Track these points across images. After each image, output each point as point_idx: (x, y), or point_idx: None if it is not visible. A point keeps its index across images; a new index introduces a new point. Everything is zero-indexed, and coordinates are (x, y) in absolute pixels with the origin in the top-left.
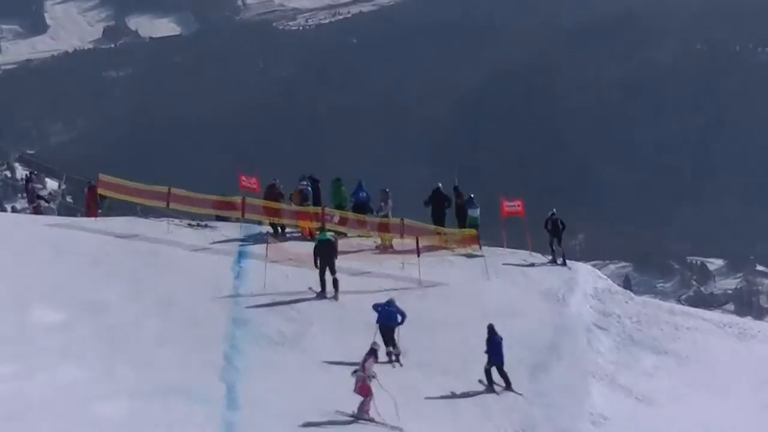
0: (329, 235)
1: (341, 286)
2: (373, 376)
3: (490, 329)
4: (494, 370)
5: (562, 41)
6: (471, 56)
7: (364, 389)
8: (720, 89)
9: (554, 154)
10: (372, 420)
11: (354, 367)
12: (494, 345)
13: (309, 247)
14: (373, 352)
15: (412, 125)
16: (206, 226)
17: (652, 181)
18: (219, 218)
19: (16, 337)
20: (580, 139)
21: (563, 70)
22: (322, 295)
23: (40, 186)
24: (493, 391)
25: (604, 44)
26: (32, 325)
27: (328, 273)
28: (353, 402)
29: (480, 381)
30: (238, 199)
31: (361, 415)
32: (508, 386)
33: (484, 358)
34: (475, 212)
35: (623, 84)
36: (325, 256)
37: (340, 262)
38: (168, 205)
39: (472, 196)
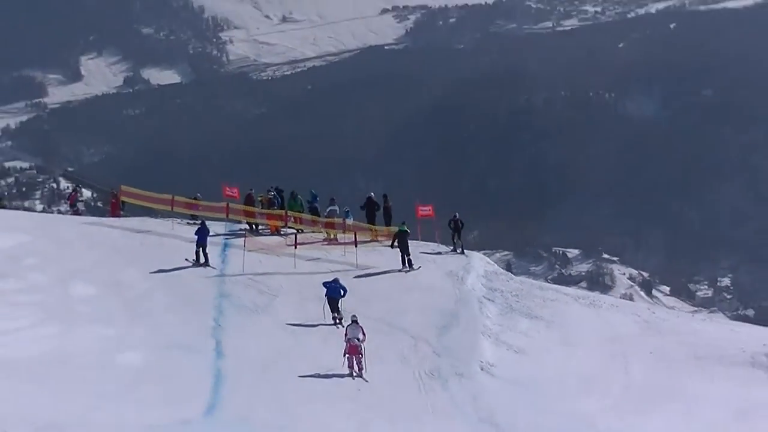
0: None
1: (306, 269)
2: (360, 340)
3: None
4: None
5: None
6: (397, 100)
7: (354, 350)
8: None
9: (459, 168)
10: (357, 374)
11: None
12: (201, 233)
13: (276, 240)
14: (354, 322)
15: (353, 148)
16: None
17: (530, 189)
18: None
19: (60, 306)
20: (481, 157)
21: (467, 111)
22: (403, 269)
23: (80, 195)
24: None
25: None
26: (72, 297)
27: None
28: (310, 353)
29: (186, 259)
30: (224, 204)
31: (353, 367)
32: (206, 262)
33: (403, 319)
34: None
35: (513, 113)
36: (402, 242)
37: (299, 251)
38: (172, 208)
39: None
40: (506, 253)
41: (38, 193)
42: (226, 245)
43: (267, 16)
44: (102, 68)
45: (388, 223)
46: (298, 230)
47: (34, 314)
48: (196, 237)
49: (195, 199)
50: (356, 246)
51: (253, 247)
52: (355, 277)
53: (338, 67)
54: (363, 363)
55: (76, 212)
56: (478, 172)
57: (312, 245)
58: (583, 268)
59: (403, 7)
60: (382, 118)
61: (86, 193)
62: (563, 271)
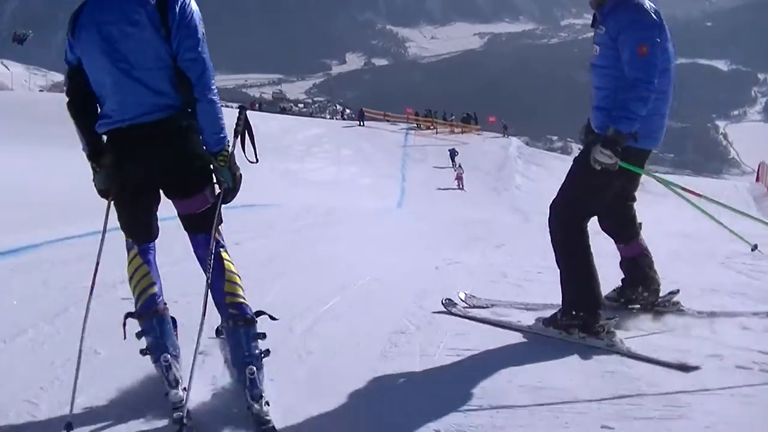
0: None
1: (440, 143)
2: (462, 172)
3: (360, 111)
4: None
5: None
6: (479, 72)
7: (460, 178)
8: None
9: (499, 101)
10: (461, 188)
11: (454, 172)
12: (361, 117)
13: (428, 131)
14: (460, 165)
15: (458, 92)
16: (400, 123)
17: (520, 113)
18: (389, 122)
19: (336, 158)
20: (514, 95)
21: (512, 73)
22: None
23: (345, 111)
24: None
25: None
26: (341, 154)
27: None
28: (443, 179)
29: (356, 124)
30: (405, 116)
31: (460, 185)
32: (363, 125)
33: (480, 164)
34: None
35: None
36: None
37: (438, 135)
38: (384, 117)
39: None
40: (525, 138)
41: (327, 111)
42: (406, 133)
43: (424, 36)
44: (355, 59)
45: (476, 124)
46: (436, 127)
47: (324, 161)
48: (359, 120)
49: (386, 114)
50: (462, 133)
51: (418, 134)
52: (460, 147)
53: (454, 59)
54: (463, 183)
55: (343, 119)
56: (512, 106)
57: (443, 133)
58: (559, 144)
59: (484, 32)
60: (473, 80)
61: (347, 111)
62: (549, 146)
